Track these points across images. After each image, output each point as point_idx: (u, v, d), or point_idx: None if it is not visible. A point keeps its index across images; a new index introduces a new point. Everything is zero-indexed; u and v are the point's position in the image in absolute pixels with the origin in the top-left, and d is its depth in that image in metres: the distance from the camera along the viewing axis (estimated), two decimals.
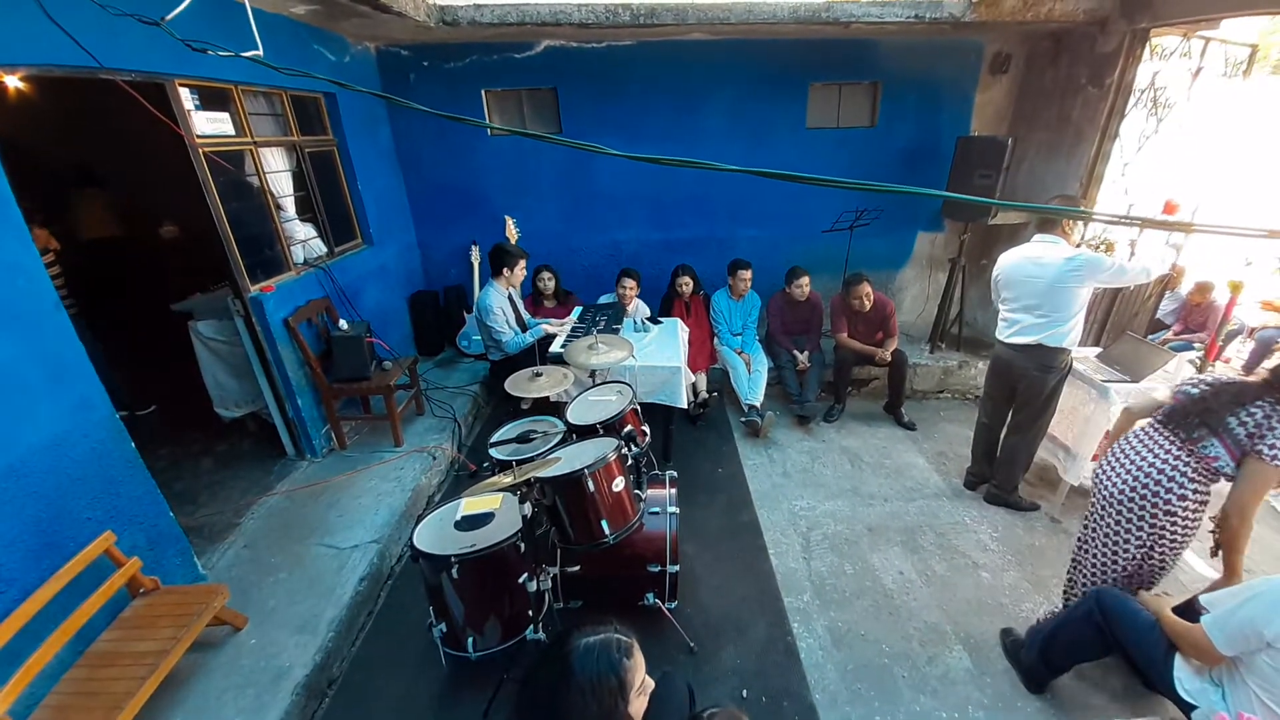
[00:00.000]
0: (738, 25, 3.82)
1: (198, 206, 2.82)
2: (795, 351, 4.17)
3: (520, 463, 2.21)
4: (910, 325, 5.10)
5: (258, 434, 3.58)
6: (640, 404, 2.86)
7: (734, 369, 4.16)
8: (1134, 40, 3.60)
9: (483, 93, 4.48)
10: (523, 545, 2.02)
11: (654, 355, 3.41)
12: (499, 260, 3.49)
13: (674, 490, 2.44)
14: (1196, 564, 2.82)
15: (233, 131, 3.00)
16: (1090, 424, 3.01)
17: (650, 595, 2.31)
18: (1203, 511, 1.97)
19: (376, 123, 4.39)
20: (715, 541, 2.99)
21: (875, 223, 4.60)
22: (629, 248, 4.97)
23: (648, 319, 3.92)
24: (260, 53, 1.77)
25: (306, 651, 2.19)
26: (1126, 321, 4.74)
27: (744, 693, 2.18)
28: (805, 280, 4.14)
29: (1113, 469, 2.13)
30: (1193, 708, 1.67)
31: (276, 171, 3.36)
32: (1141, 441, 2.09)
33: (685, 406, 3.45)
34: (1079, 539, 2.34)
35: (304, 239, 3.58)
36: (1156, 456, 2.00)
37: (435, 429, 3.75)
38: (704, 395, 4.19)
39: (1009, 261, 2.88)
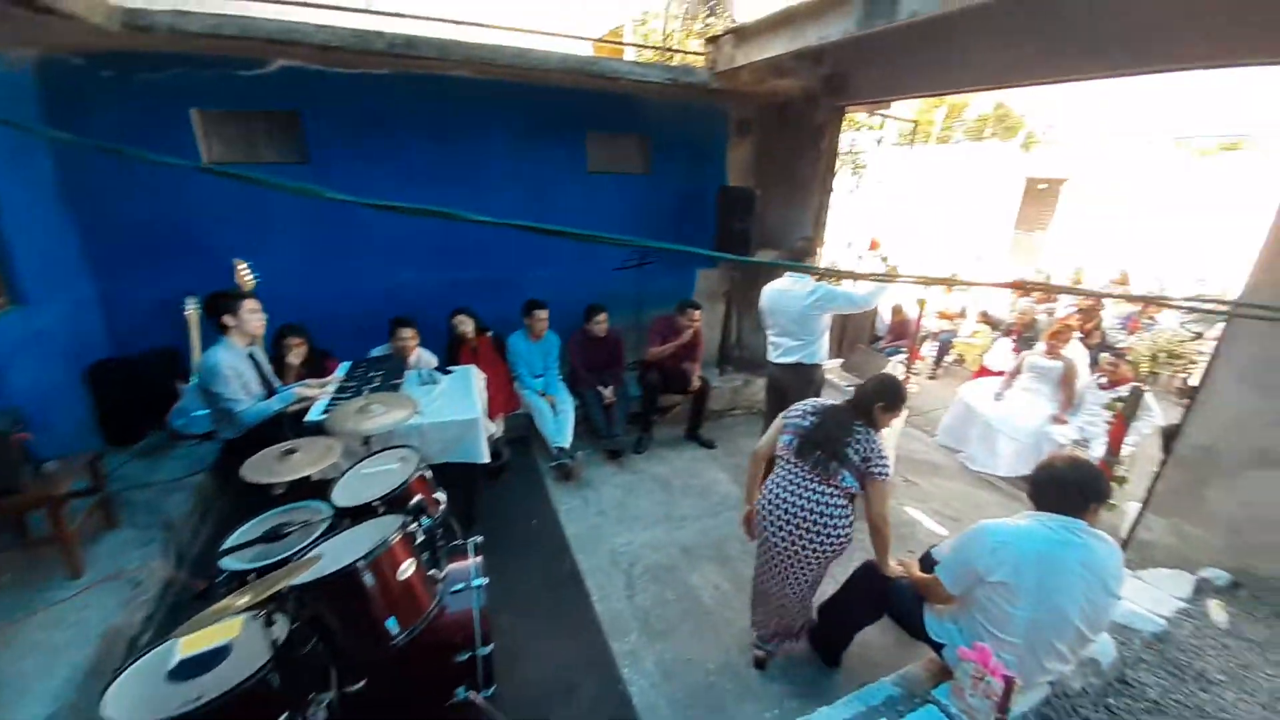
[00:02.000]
0: (506, 67, 3.79)
1: None
2: (600, 387, 4.18)
3: (263, 571, 1.70)
4: None
5: None
6: (432, 466, 2.49)
7: (539, 412, 4.00)
8: (835, 114, 4.55)
9: (192, 113, 3.61)
10: (276, 679, 1.53)
11: (445, 409, 3.03)
12: (215, 309, 2.80)
13: (479, 559, 2.14)
14: (928, 523, 3.51)
15: None
16: None
17: (461, 690, 1.96)
18: (854, 517, 2.22)
19: (30, 151, 3.24)
20: (534, 602, 2.76)
21: (659, 262, 4.93)
22: (406, 293, 4.33)
23: (436, 369, 3.53)
24: None
25: None
26: (857, 336, 5.90)
27: None
28: (603, 316, 4.22)
29: (779, 525, 2.19)
30: (941, 646, 1.99)
31: None
32: (790, 490, 2.19)
33: (487, 461, 3.14)
34: (762, 583, 2.38)
35: None
36: (813, 497, 2.14)
37: (137, 543, 2.77)
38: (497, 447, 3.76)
39: (768, 294, 3.35)
